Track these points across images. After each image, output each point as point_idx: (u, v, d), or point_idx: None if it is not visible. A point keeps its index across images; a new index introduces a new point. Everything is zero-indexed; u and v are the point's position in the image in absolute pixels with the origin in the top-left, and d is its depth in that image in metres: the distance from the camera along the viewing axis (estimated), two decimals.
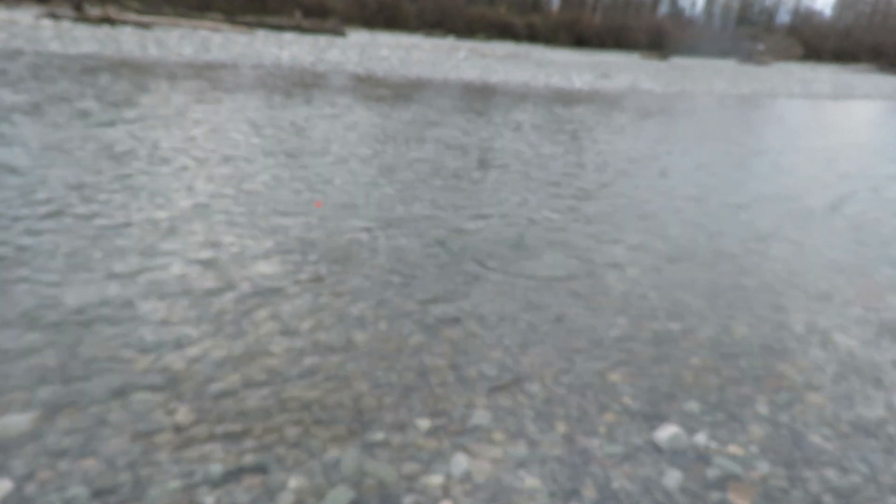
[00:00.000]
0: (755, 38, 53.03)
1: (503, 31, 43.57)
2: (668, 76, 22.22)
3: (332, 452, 1.95)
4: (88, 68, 11.09)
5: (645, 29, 49.56)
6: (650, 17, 57.47)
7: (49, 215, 3.79)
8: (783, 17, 72.03)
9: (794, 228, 4.76)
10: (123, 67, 11.77)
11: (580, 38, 46.62)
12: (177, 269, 3.21)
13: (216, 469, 1.85)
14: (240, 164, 5.38)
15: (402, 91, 12.11)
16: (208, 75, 11.76)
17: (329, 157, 5.92)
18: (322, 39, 25.31)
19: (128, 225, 3.74)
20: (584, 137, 8.28)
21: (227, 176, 4.96)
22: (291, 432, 2.03)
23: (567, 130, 8.73)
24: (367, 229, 4.02)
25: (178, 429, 2.01)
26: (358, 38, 29.25)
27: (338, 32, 29.16)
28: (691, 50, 47.32)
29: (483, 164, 6.17)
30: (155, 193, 4.36)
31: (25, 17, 22.06)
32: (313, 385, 2.30)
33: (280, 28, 28.42)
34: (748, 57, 43.79)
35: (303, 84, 11.77)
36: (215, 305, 2.84)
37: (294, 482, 1.82)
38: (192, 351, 2.46)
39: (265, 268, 3.29)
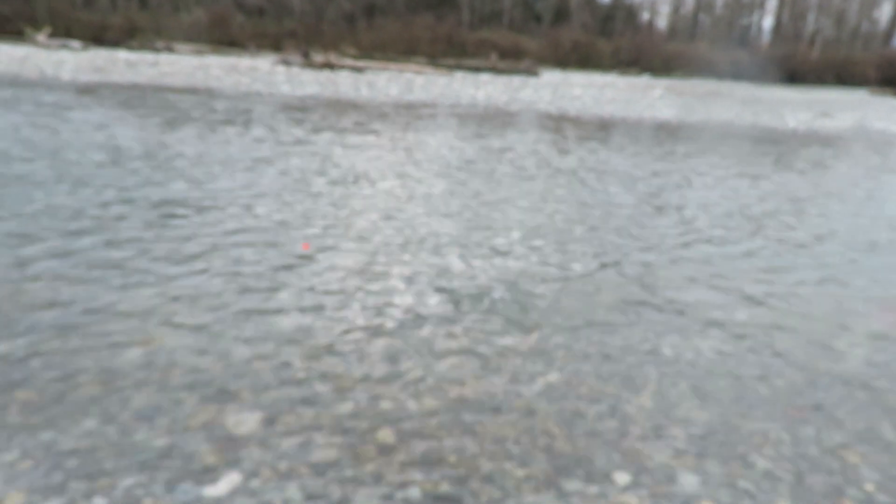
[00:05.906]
0: None
1: (703, 69, 41.39)
2: None
3: None
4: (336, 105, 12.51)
5: (875, 63, 44.00)
6: (882, 49, 50.91)
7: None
8: None
9: None
10: (341, 106, 13.11)
11: (793, 74, 42.67)
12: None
13: None
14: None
15: (592, 131, 11.95)
16: (411, 113, 12.63)
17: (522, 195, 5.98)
18: (516, 79, 26.05)
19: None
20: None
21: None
22: None
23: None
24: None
25: None
26: (551, 77, 29.62)
27: (531, 72, 29.83)
28: None
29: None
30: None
31: (264, 63, 25.67)
32: None
33: (477, 69, 29.80)
34: None
35: (496, 122, 12.13)
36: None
37: None
38: None
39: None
